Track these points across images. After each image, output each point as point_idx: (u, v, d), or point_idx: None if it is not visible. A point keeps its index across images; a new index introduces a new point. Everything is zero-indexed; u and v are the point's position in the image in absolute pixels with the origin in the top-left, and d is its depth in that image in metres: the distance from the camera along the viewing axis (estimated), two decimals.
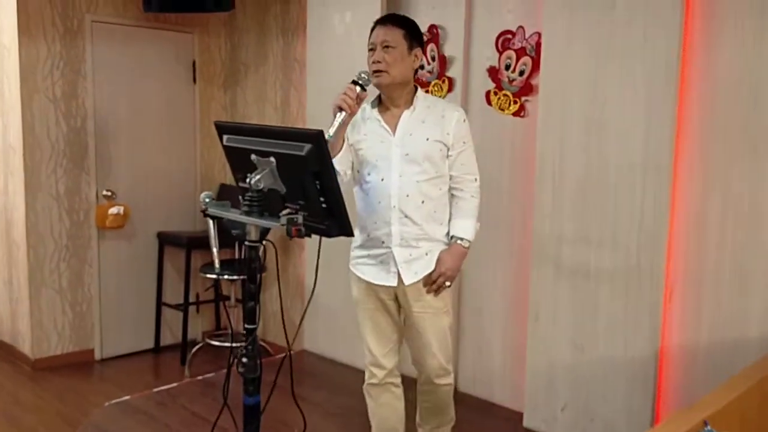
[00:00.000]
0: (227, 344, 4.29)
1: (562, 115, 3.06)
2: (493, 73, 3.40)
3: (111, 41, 4.41)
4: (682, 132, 2.77)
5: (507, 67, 3.35)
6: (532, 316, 3.21)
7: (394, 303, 2.53)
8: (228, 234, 4.16)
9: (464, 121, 2.47)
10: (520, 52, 3.29)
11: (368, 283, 2.53)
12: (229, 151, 2.35)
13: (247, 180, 2.16)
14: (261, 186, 2.16)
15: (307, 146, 2.04)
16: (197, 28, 4.80)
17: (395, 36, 2.40)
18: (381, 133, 2.45)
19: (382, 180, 2.44)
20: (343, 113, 2.30)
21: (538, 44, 3.20)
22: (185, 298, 4.55)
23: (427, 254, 2.47)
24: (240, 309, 4.55)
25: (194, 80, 4.83)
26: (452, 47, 3.55)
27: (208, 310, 5.03)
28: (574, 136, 3.04)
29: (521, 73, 3.30)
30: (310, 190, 2.09)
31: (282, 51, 4.54)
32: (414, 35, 2.46)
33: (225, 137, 2.35)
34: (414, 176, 2.41)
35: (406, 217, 2.43)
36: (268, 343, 4.56)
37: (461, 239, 2.48)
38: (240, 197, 2.35)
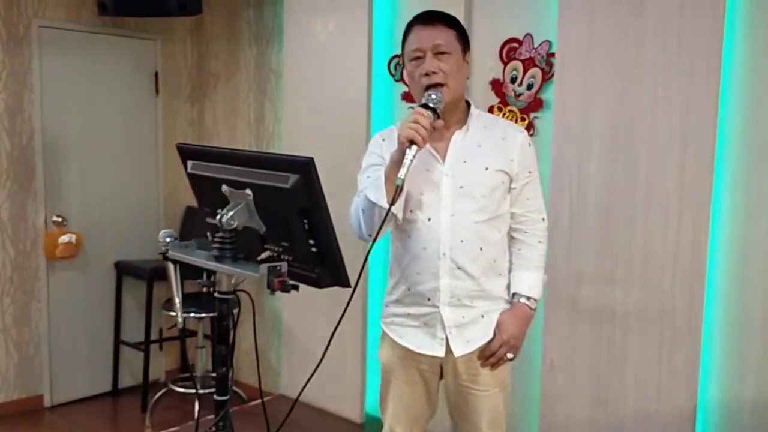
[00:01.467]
0: (193, 391, 3.86)
1: (581, 135, 2.73)
2: (496, 86, 3.05)
3: (62, 49, 4.01)
4: (725, 151, 2.45)
5: (513, 80, 3.00)
6: (547, 365, 2.85)
7: (436, 375, 2.10)
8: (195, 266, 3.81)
9: (530, 145, 2.07)
10: (528, 63, 2.94)
11: (406, 350, 2.08)
12: (195, 180, 1.97)
13: (218, 217, 1.78)
14: (234, 224, 1.78)
15: (294, 177, 1.67)
16: (160, 34, 4.44)
17: (449, 38, 1.96)
18: (427, 160, 2.00)
19: (429, 220, 1.99)
20: (416, 148, 1.83)
21: (550, 54, 2.86)
22: (146, 335, 4.14)
23: (483, 317, 2.03)
24: (209, 346, 4.23)
25: (156, 92, 4.46)
26: None
27: (173, 347, 4.61)
28: (595, 157, 2.71)
29: (529, 87, 2.95)
30: (296, 230, 1.72)
31: (255, 60, 4.20)
32: (465, 37, 2.06)
33: (190, 163, 1.97)
34: (470, 215, 1.98)
35: (460, 268, 1.99)
36: (240, 385, 4.13)
37: (528, 298, 2.05)
38: (208, 235, 1.97)
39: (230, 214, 1.78)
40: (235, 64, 4.33)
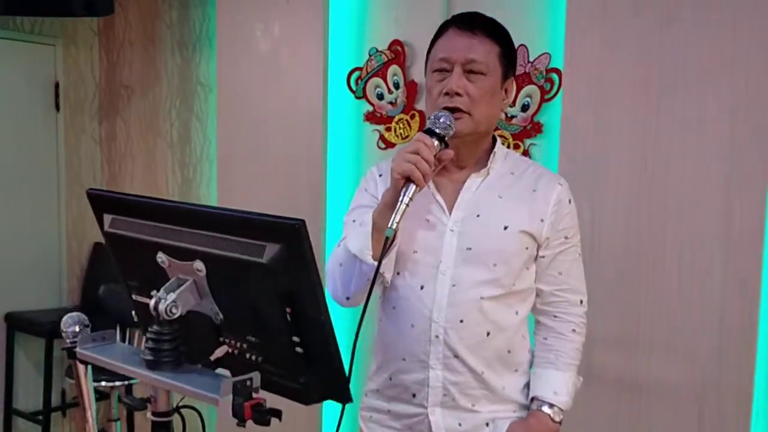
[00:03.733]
0: None
1: (594, 169, 2.33)
2: None
3: None
4: None
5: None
6: None
7: None
8: (108, 316, 3.22)
9: (570, 201, 1.60)
10: (523, 80, 2.51)
11: None
12: (115, 242, 1.40)
13: (152, 301, 1.23)
14: (177, 313, 1.24)
15: (273, 248, 1.15)
16: (61, 38, 3.90)
17: (488, 55, 1.52)
18: (428, 207, 1.57)
19: (422, 288, 1.55)
20: (414, 188, 1.39)
21: (550, 69, 2.44)
22: (45, 402, 3.57)
23: (488, 425, 1.57)
24: (126, 412, 3.65)
25: (57, 107, 3.90)
26: (424, 70, 2.71)
27: (80, 412, 3.92)
28: (612, 197, 2.33)
29: (524, 108, 2.52)
30: (273, 321, 1.23)
31: (179, 70, 3.70)
32: (512, 58, 1.60)
33: (107, 218, 1.42)
34: (477, 288, 1.53)
35: (457, 357, 1.53)
36: None
37: (551, 406, 1.57)
38: (134, 315, 1.43)
39: (171, 298, 1.24)
40: (153, 74, 3.81)
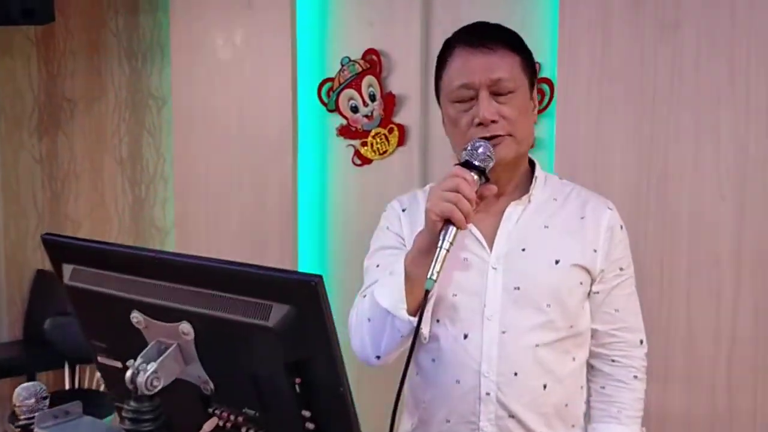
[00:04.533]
0: None
1: (592, 183, 2.14)
2: None
3: None
4: None
5: None
6: None
7: None
8: (55, 351, 2.96)
9: (622, 228, 1.43)
10: None
11: None
12: (77, 297, 1.18)
13: (129, 372, 1.03)
14: (159, 386, 1.04)
15: (282, 309, 0.97)
16: None
17: (513, 69, 1.34)
18: (465, 243, 1.38)
19: (466, 338, 1.35)
20: (454, 230, 1.21)
21: (539, 80, 2.29)
22: None
23: None
24: None
25: None
26: (402, 81, 2.60)
27: None
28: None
29: None
30: (278, 392, 1.04)
31: (128, 81, 3.46)
32: (532, 63, 1.42)
33: (68, 269, 1.20)
34: (531, 334, 1.34)
35: (513, 417, 1.34)
36: None
37: None
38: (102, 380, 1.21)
39: (152, 368, 1.03)
40: (99, 86, 3.56)
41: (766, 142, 1.97)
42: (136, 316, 1.06)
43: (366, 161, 2.64)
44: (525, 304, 1.33)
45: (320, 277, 0.89)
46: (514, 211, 1.38)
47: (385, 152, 2.60)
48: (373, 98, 2.61)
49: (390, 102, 2.59)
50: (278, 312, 0.93)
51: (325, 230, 2.76)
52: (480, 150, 1.26)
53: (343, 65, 2.63)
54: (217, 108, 2.85)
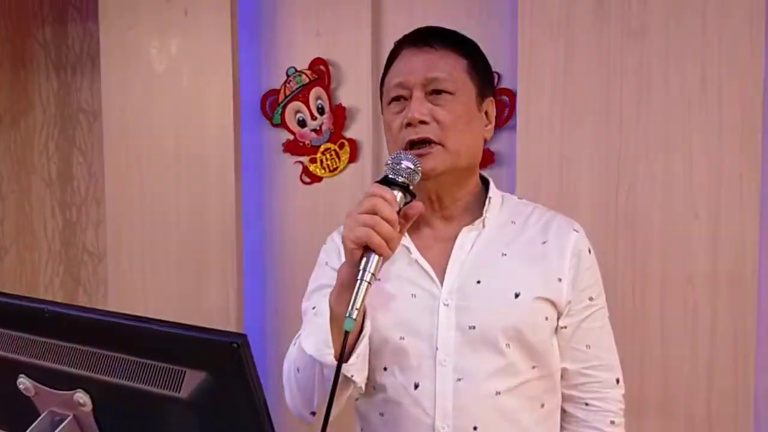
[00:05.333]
0: None
1: (558, 203, 2.03)
2: None
3: None
4: None
5: None
6: None
7: None
8: None
9: (590, 251, 1.28)
10: None
11: None
12: None
13: None
14: None
15: (197, 376, 0.79)
16: None
17: (453, 69, 1.21)
18: (412, 279, 1.23)
19: (416, 388, 1.19)
20: (376, 259, 1.04)
21: (500, 91, 2.16)
22: None
23: None
24: None
25: None
26: (352, 92, 2.42)
27: None
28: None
29: None
30: None
31: (56, 95, 3.19)
32: (484, 72, 1.28)
33: None
34: (490, 380, 1.18)
35: None
36: None
37: None
38: None
39: None
40: (24, 100, 3.27)
41: (741, 156, 1.85)
42: (23, 382, 0.87)
43: (315, 179, 2.46)
44: (482, 345, 1.17)
45: (243, 337, 0.71)
46: (466, 237, 1.23)
47: (335, 169, 2.43)
48: (321, 111, 2.44)
49: (340, 115, 2.41)
50: (192, 380, 0.76)
51: (272, 254, 2.56)
52: (403, 164, 1.10)
53: (288, 76, 2.45)
54: (152, 123, 2.62)
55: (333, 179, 2.44)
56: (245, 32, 2.51)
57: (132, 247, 2.68)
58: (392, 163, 1.11)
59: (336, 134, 2.41)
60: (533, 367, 1.20)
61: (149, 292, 2.65)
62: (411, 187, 1.10)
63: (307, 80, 2.43)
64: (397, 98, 1.21)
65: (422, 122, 1.17)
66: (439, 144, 1.17)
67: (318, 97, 2.43)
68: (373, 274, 1.03)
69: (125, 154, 2.69)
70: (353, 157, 2.40)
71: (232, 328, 2.49)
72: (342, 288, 1.07)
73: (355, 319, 1.00)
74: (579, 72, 2.01)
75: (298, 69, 2.44)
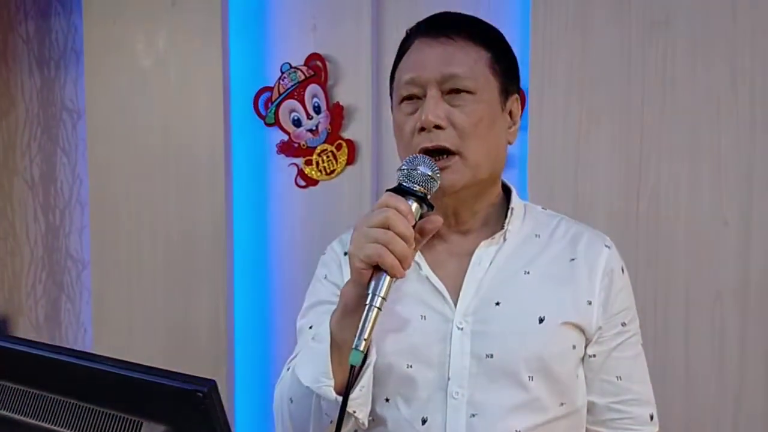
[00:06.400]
0: None
1: (572, 207, 1.93)
2: None
3: None
4: None
5: None
6: None
7: None
8: None
9: (623, 270, 1.16)
10: None
11: None
12: None
13: None
14: None
15: (155, 430, 0.63)
16: None
17: (474, 64, 1.07)
18: (423, 298, 1.10)
19: (424, 423, 1.05)
20: (387, 280, 0.92)
21: None
22: None
23: None
24: None
25: None
26: (351, 90, 2.32)
27: None
28: None
29: None
30: None
31: (39, 93, 3.10)
32: (509, 65, 1.15)
33: None
34: (508, 418, 1.05)
35: None
36: None
37: None
38: None
39: None
40: (7, 98, 3.19)
41: (766, 158, 1.74)
42: None
43: (311, 182, 2.34)
44: (501, 376, 1.04)
45: (211, 383, 0.59)
46: (485, 253, 1.09)
47: (332, 172, 2.30)
48: (318, 110, 2.32)
49: (337, 114, 2.29)
50: None
51: (265, 263, 2.44)
52: (419, 169, 0.97)
53: (283, 72, 2.34)
54: (138, 122, 2.52)
55: (330, 183, 2.32)
56: (237, 25, 2.43)
57: (116, 253, 2.58)
58: (407, 169, 0.98)
59: (333, 135, 2.31)
60: (561, 404, 1.06)
61: (134, 300, 2.55)
62: (429, 197, 0.98)
63: (303, 77, 2.32)
64: (409, 97, 1.08)
65: (437, 127, 1.04)
66: (457, 154, 1.04)
67: (314, 95, 2.32)
68: (383, 299, 0.91)
69: (109, 154, 2.60)
70: (351, 160, 2.29)
71: (221, 342, 2.38)
72: (346, 311, 0.96)
73: (362, 351, 0.89)
74: (596, 66, 1.91)
75: (293, 65, 2.33)
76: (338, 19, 2.30)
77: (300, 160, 2.36)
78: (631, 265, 1.84)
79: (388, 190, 0.97)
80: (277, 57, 2.37)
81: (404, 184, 0.97)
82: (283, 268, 2.43)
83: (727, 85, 1.77)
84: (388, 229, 0.91)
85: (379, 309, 0.90)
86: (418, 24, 1.14)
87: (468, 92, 1.05)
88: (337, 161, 2.31)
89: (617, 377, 1.11)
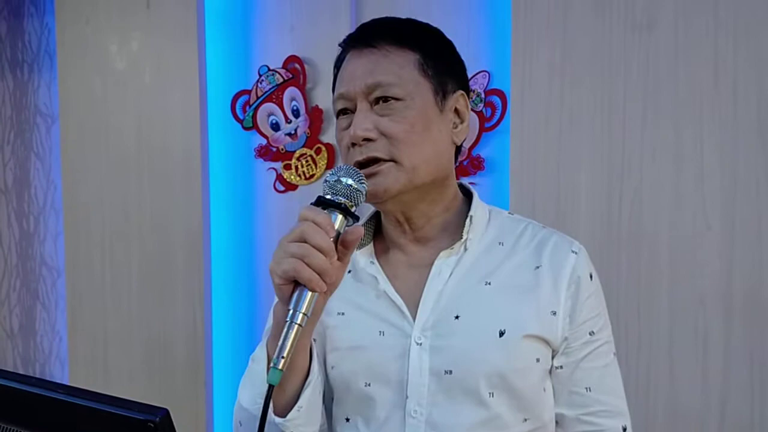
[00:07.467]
0: None
1: (555, 213, 1.90)
2: None
3: None
4: None
5: None
6: None
7: None
8: None
9: (591, 277, 1.10)
10: None
11: None
12: None
13: None
14: None
15: None
16: None
17: (400, 69, 1.04)
18: (380, 313, 1.07)
19: None
20: (309, 295, 0.88)
21: (490, 91, 2.04)
22: None
23: None
24: None
25: None
26: (330, 94, 2.15)
27: None
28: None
29: None
30: None
31: (12, 96, 3.03)
32: (443, 62, 1.09)
33: None
34: None
35: None
36: None
37: None
38: None
39: None
40: None
41: (758, 161, 1.72)
42: None
43: (290, 187, 2.31)
44: (459, 393, 1.01)
45: (163, 412, 0.55)
46: (444, 264, 1.06)
47: (312, 176, 2.28)
48: (296, 114, 2.29)
49: (317, 118, 2.26)
50: None
51: (243, 269, 2.41)
52: (343, 180, 0.93)
53: (260, 75, 2.31)
54: (112, 126, 2.48)
55: (309, 187, 2.30)
56: (213, 27, 2.40)
57: (91, 260, 2.53)
58: (331, 180, 0.94)
59: (312, 138, 2.28)
60: (525, 420, 1.03)
61: (110, 308, 2.51)
62: (354, 209, 0.94)
63: (281, 80, 2.29)
64: (343, 111, 1.05)
65: (368, 139, 1.00)
66: (391, 160, 1.01)
67: (293, 98, 2.29)
68: (305, 314, 0.87)
69: (83, 159, 2.56)
70: (331, 164, 2.26)
71: (198, 351, 2.34)
72: (278, 329, 0.91)
73: (281, 370, 0.85)
74: (578, 69, 1.89)
75: (271, 67, 2.30)
76: (317, 20, 2.27)
77: (279, 165, 2.33)
78: (613, 271, 1.84)
79: (312, 203, 0.93)
80: (255, 59, 2.35)
81: (327, 196, 0.93)
82: (263, 275, 2.39)
83: (709, 86, 1.76)
84: (305, 242, 0.88)
85: (300, 325, 0.86)
86: (348, 36, 1.10)
87: (396, 99, 1.01)
88: (316, 165, 2.28)
89: (586, 388, 1.07)
